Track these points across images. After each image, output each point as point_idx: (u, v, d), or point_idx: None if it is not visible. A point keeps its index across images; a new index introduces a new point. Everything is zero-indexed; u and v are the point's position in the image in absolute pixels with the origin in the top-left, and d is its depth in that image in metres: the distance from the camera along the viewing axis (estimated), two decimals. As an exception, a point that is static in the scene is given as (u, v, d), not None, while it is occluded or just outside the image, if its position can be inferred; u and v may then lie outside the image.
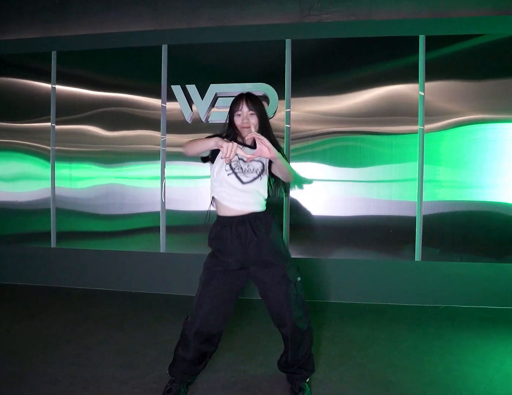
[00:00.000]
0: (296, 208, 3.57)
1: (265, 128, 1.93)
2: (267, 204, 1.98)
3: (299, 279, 1.93)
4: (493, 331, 2.88)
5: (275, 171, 1.92)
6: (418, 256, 3.46)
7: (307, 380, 2.07)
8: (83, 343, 2.62)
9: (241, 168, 1.88)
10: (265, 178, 1.93)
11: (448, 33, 3.41)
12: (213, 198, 1.96)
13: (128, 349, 2.53)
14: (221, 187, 1.89)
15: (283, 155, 1.87)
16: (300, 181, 3.57)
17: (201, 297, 1.88)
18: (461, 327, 2.97)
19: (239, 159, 1.88)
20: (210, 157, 1.93)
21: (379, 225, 3.49)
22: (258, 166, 1.91)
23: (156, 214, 3.74)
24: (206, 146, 1.77)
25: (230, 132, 1.96)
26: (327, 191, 3.54)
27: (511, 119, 3.35)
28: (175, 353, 1.98)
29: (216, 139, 1.72)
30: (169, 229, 3.73)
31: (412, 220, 3.46)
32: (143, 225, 3.78)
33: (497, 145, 3.38)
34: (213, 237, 1.92)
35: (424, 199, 3.45)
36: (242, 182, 1.88)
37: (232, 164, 1.88)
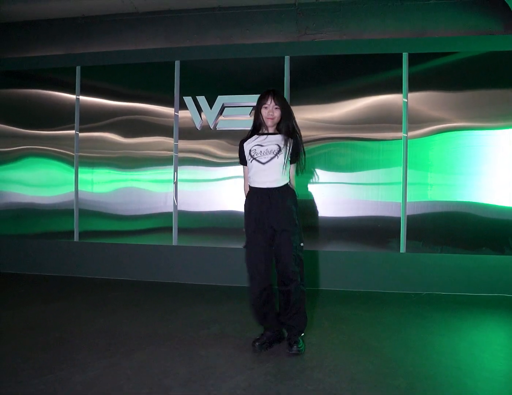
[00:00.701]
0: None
1: (287, 120, 2.36)
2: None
3: (302, 244, 2.38)
4: (466, 312, 3.27)
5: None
6: (403, 248, 3.88)
7: (302, 335, 2.46)
8: (112, 318, 3.04)
9: (260, 152, 2.32)
10: (281, 156, 2.31)
11: (428, 51, 3.85)
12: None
13: (148, 322, 2.95)
14: (250, 174, 2.37)
15: (303, 151, 2.43)
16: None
17: (248, 255, 2.36)
18: (438, 309, 3.36)
19: (255, 145, 2.35)
20: (242, 162, 2.46)
21: (368, 223, 3.91)
22: (274, 148, 2.32)
23: (169, 214, 4.17)
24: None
25: (257, 123, 2.38)
26: (322, 193, 3.97)
27: (486, 127, 3.78)
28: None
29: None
30: (181, 229, 4.16)
31: (398, 218, 3.87)
32: (158, 225, 4.21)
33: (474, 150, 3.79)
34: (245, 204, 2.41)
35: (408, 200, 3.86)
36: (262, 163, 2.32)
37: (251, 152, 2.35)
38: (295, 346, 2.34)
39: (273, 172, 2.32)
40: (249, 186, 2.41)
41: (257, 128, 2.40)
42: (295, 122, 2.43)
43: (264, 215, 2.31)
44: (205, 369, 2.18)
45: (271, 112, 2.32)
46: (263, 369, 2.18)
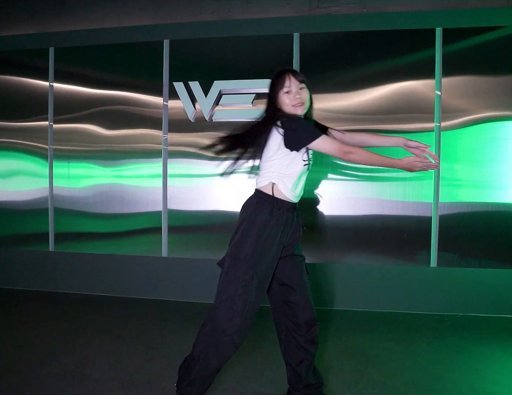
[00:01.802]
0: (306, 207, 3.41)
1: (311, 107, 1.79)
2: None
3: None
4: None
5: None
6: (433, 261, 3.29)
7: None
8: (80, 355, 2.46)
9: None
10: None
11: (466, 25, 3.23)
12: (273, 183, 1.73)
13: (128, 363, 2.36)
14: (288, 179, 1.72)
15: None
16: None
17: (255, 292, 1.70)
18: (482, 338, 2.79)
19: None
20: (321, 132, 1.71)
21: (393, 227, 3.32)
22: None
23: (158, 213, 3.60)
24: (384, 163, 1.70)
25: (277, 117, 1.70)
26: (340, 191, 3.38)
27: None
28: (195, 373, 1.70)
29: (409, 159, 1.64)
30: (171, 229, 3.59)
31: (428, 222, 3.28)
32: (144, 226, 3.65)
33: (518, 144, 3.19)
34: (264, 220, 1.70)
35: (440, 200, 3.27)
36: (308, 170, 1.78)
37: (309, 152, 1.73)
38: None
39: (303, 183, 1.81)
40: (275, 197, 1.71)
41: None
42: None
43: (283, 240, 1.74)
44: None
45: (298, 94, 1.69)
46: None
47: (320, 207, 3.41)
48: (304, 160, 1.70)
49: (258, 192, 1.75)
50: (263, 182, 1.74)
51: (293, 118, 1.69)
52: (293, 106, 1.70)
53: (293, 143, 1.66)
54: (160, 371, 2.27)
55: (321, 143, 1.63)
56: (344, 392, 2.07)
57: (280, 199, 1.71)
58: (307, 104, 1.74)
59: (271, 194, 1.71)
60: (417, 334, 2.86)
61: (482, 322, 3.09)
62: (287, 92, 1.70)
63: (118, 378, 2.18)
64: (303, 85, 1.72)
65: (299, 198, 1.80)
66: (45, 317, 3.14)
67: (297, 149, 1.67)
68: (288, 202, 1.73)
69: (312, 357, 1.81)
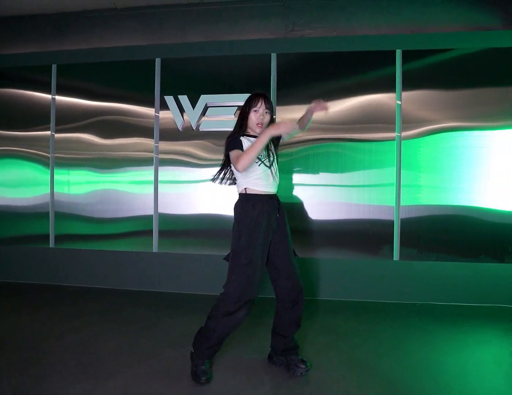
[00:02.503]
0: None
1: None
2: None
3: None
4: (467, 326, 3.06)
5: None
6: (396, 255, 3.66)
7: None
8: (87, 333, 2.81)
9: (262, 154, 2.14)
10: (275, 162, 2.21)
11: (423, 47, 3.64)
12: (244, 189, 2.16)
13: (126, 339, 2.70)
14: (254, 177, 2.12)
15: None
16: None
17: (249, 273, 2.11)
18: (436, 321, 3.15)
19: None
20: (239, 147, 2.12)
21: (360, 228, 3.69)
22: (268, 152, 2.17)
23: (149, 217, 3.94)
24: (261, 146, 1.99)
25: (243, 128, 2.15)
26: (310, 196, 3.75)
27: (484, 127, 3.57)
28: (208, 333, 2.10)
29: (271, 130, 1.96)
30: (161, 232, 3.93)
31: (391, 223, 3.66)
32: (137, 228, 3.98)
33: (472, 152, 3.58)
34: (247, 214, 2.11)
35: (401, 203, 3.65)
36: (268, 166, 2.14)
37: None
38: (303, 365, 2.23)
39: (276, 177, 2.20)
40: (249, 194, 2.14)
41: (241, 131, 2.17)
42: None
43: (272, 225, 2.14)
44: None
45: (261, 116, 2.12)
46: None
47: (297, 211, 3.77)
48: (256, 162, 2.11)
49: (239, 195, 2.19)
50: (239, 189, 2.19)
51: (231, 136, 2.14)
52: (256, 124, 2.12)
53: (227, 157, 2.15)
54: (157, 344, 2.61)
55: (231, 155, 2.05)
56: (317, 358, 2.42)
57: (256, 194, 2.12)
58: (265, 126, 2.14)
59: (248, 193, 2.14)
60: (380, 317, 3.23)
61: (439, 309, 3.44)
62: (255, 111, 2.12)
63: (119, 349, 2.51)
64: (268, 111, 2.16)
65: (275, 187, 2.19)
66: (49, 305, 3.46)
67: (229, 162, 2.16)
68: (264, 194, 2.13)
69: (297, 330, 2.26)
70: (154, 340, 2.69)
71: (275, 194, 2.21)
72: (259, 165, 2.12)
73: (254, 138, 2.11)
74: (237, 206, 2.17)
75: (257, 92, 2.17)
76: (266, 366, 2.32)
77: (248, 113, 2.13)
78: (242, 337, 2.71)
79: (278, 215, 2.17)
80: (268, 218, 2.12)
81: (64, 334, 2.78)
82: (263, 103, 2.12)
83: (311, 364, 2.28)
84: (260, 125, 2.12)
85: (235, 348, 2.54)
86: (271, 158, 2.17)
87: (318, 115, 3.68)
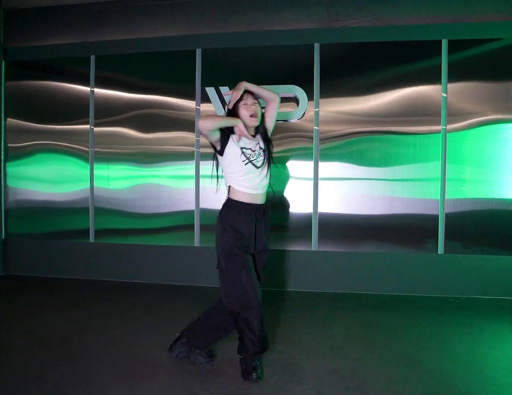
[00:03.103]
0: (326, 206, 3.77)
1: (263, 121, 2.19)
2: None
3: None
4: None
5: (267, 111, 2.21)
6: (441, 249, 3.64)
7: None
8: (130, 328, 2.82)
9: (253, 154, 2.09)
10: (266, 162, 2.14)
11: (469, 37, 3.57)
12: (229, 187, 2.15)
13: (169, 333, 2.67)
14: (239, 176, 2.08)
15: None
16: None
17: (245, 280, 2.04)
18: (482, 315, 3.15)
19: (244, 146, 2.08)
20: (219, 149, 2.10)
21: (404, 222, 3.67)
22: (260, 151, 2.12)
23: (191, 212, 3.94)
24: (224, 122, 2.03)
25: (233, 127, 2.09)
26: (354, 189, 3.73)
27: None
28: (244, 341, 2.08)
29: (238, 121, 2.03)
30: (203, 227, 3.92)
31: (435, 217, 3.63)
32: (178, 223, 3.98)
33: (517, 144, 3.53)
34: (228, 216, 2.10)
35: (446, 197, 3.62)
36: (257, 167, 2.10)
37: (244, 152, 2.07)
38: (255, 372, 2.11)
39: (265, 179, 2.15)
40: (233, 200, 2.12)
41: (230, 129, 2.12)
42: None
43: (252, 233, 2.12)
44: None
45: (253, 106, 2.09)
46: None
47: (340, 205, 3.75)
48: (243, 160, 2.07)
49: (226, 199, 2.17)
50: (226, 185, 2.17)
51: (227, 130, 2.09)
52: (249, 116, 2.08)
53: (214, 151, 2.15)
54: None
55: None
56: (359, 353, 2.44)
57: (240, 202, 2.09)
58: (259, 118, 2.12)
59: (231, 197, 2.12)
60: (424, 311, 3.23)
61: (483, 303, 3.44)
62: (245, 104, 2.09)
63: (164, 346, 2.45)
64: (256, 101, 2.13)
65: (263, 190, 2.14)
66: (90, 300, 3.48)
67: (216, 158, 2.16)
68: (248, 203, 2.09)
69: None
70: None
71: (263, 204, 2.16)
72: (245, 164, 2.08)
73: (246, 139, 2.09)
74: (221, 210, 2.15)
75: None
76: (310, 361, 2.33)
77: (237, 111, 2.09)
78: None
79: (262, 226, 2.14)
80: (251, 226, 2.10)
81: (107, 330, 2.78)
82: (249, 96, 2.10)
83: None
84: (254, 116, 2.09)
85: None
86: (263, 159, 2.12)
87: (364, 107, 3.68)
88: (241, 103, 2.08)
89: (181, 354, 2.26)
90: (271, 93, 2.20)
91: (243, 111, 2.08)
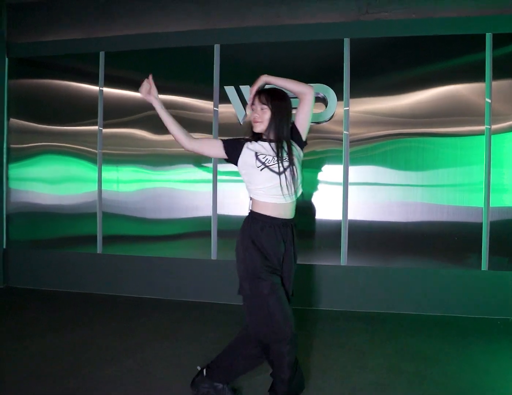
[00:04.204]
0: (356, 213, 3.43)
1: (278, 125, 1.81)
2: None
3: None
4: None
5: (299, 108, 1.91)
6: (485, 265, 3.29)
7: None
8: (140, 357, 2.47)
9: (267, 158, 1.81)
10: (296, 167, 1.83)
11: (516, 30, 3.25)
12: (250, 198, 1.89)
13: (186, 363, 2.37)
14: (257, 186, 1.82)
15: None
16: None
17: (275, 307, 1.73)
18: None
19: (259, 149, 1.83)
20: (229, 159, 1.88)
21: (443, 232, 3.33)
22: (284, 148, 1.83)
23: (207, 218, 3.62)
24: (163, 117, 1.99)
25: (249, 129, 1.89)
26: (388, 196, 3.39)
27: None
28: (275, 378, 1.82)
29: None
30: (220, 233, 3.60)
31: (479, 226, 3.28)
32: (193, 230, 3.67)
33: None
34: (252, 232, 1.82)
35: (491, 204, 3.27)
36: (276, 173, 1.79)
37: (259, 157, 1.80)
38: None
39: (290, 187, 1.81)
40: (254, 211, 1.85)
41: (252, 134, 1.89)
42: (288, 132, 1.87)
43: (279, 253, 1.82)
44: None
45: (256, 113, 1.83)
46: None
47: (372, 212, 3.42)
48: (258, 166, 1.78)
49: (249, 210, 1.90)
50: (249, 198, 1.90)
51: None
52: (253, 122, 1.84)
53: None
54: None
55: None
56: (408, 391, 2.11)
57: (265, 215, 1.80)
58: (266, 124, 1.81)
59: (253, 209, 1.86)
60: (470, 336, 2.88)
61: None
62: (253, 109, 1.86)
63: (179, 378, 2.17)
64: (264, 106, 1.80)
65: (290, 200, 1.82)
66: (96, 319, 3.17)
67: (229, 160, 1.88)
68: (274, 218, 1.80)
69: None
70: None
71: (290, 220, 1.85)
72: (261, 170, 1.77)
73: (265, 143, 1.82)
74: (242, 226, 1.89)
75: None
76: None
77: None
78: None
79: (289, 245, 1.84)
80: (276, 244, 1.80)
81: (114, 358, 2.45)
82: (257, 97, 1.84)
83: None
84: (257, 122, 1.83)
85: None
86: (284, 162, 1.80)
87: (397, 106, 3.35)
88: (252, 106, 1.87)
89: (203, 390, 1.92)
90: (301, 86, 1.88)
91: (250, 115, 1.90)
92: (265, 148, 1.82)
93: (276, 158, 1.79)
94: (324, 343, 2.72)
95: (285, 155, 1.81)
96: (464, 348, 2.67)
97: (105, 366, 2.33)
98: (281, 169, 1.78)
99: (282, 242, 1.81)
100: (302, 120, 1.91)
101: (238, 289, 1.84)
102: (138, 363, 2.38)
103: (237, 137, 1.89)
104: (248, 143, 1.85)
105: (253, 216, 1.84)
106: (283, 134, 1.83)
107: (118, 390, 2.08)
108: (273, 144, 1.82)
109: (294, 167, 1.81)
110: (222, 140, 1.87)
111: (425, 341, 2.77)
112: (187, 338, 2.79)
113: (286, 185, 1.78)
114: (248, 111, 1.93)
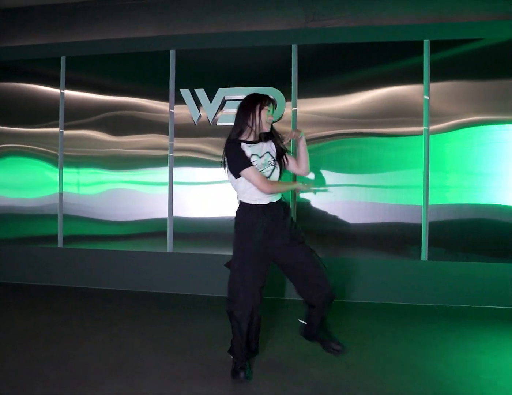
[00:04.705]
0: (304, 212, 3.61)
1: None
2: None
3: None
4: (502, 328, 2.93)
5: (293, 162, 2.27)
6: (424, 255, 3.49)
7: None
8: (112, 332, 2.74)
9: (261, 164, 2.12)
10: (277, 169, 2.18)
11: (451, 37, 3.47)
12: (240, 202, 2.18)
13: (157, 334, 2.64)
14: (247, 188, 2.10)
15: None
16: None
17: (246, 281, 2.09)
18: (468, 323, 3.02)
19: (252, 155, 2.11)
20: (249, 163, 2.13)
21: (386, 229, 3.53)
22: (270, 159, 2.17)
23: (163, 220, 3.77)
24: (290, 187, 2.34)
25: (251, 125, 2.12)
26: (333, 195, 3.58)
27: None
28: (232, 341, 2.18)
29: (296, 184, 2.32)
30: (176, 235, 3.75)
31: (419, 223, 3.49)
32: (150, 230, 3.81)
33: (504, 147, 3.40)
34: (246, 221, 2.12)
35: (430, 202, 3.47)
36: (267, 177, 2.13)
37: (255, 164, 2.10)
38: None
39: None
40: (245, 202, 2.16)
41: (243, 131, 2.15)
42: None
43: (270, 234, 2.11)
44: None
45: (271, 116, 2.18)
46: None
47: (319, 211, 3.60)
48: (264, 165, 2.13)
49: (239, 203, 2.20)
50: (238, 200, 2.20)
51: (230, 146, 2.12)
52: (267, 122, 2.15)
53: (233, 170, 2.11)
54: (186, 344, 2.53)
55: (250, 172, 2.05)
56: (353, 358, 2.31)
57: (254, 205, 2.11)
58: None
59: (243, 200, 2.17)
60: (410, 319, 3.12)
61: (469, 312, 3.30)
62: (268, 110, 2.16)
63: (152, 347, 2.37)
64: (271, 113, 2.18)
65: (275, 198, 2.15)
66: (63, 306, 3.33)
67: (236, 176, 2.11)
68: (261, 205, 2.11)
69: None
70: (179, 340, 2.61)
71: (279, 201, 2.17)
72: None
73: (254, 144, 2.13)
74: (237, 212, 2.19)
75: (259, 93, 2.21)
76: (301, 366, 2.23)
77: (257, 112, 2.14)
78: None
79: (282, 221, 2.14)
80: (267, 225, 2.09)
81: (89, 333, 2.72)
82: (271, 103, 2.19)
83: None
84: (269, 123, 2.18)
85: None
86: (272, 167, 2.15)
87: (338, 107, 3.55)
88: (264, 108, 2.14)
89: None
90: (308, 163, 2.27)
91: (263, 115, 2.14)
92: (254, 150, 2.12)
93: (266, 161, 2.13)
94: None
95: (271, 159, 2.16)
96: (404, 327, 2.92)
97: (82, 341, 2.50)
98: (270, 173, 2.14)
99: (274, 221, 2.10)
100: (291, 162, 2.28)
101: (226, 262, 2.20)
102: (112, 338, 2.60)
103: (236, 141, 2.12)
104: (244, 146, 2.12)
105: (244, 204, 2.14)
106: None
107: (98, 355, 2.27)
108: (265, 144, 2.17)
109: (280, 170, 2.20)
110: (250, 163, 2.07)
111: (370, 323, 3.01)
112: (149, 321, 3.01)
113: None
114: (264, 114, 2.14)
